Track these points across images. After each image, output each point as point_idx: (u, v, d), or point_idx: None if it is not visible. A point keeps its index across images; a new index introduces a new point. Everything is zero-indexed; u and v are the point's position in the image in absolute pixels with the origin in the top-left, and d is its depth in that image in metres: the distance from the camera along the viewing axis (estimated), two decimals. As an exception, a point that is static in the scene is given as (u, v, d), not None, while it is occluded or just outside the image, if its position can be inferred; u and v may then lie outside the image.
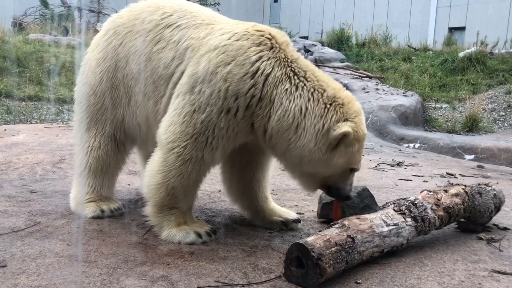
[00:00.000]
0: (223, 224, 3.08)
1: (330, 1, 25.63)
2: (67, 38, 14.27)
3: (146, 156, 3.22)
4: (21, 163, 4.45)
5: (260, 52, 2.53)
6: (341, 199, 2.71)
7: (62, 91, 10.02)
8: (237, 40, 2.56)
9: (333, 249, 2.15)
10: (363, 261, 2.35)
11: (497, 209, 3.18)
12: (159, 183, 2.61)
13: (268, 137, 2.57)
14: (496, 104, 11.22)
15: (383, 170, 5.37)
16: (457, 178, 5.18)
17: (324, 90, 2.52)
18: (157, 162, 2.62)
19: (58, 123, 8.05)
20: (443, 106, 11.63)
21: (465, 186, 3.09)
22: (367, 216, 2.49)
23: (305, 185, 2.78)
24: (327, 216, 3.14)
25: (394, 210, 2.61)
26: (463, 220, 3.08)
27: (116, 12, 3.19)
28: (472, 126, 10.30)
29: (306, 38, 21.51)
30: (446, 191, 2.94)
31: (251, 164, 3.01)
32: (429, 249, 2.73)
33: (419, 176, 5.15)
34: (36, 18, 18.42)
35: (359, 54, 16.16)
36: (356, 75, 13.58)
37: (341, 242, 2.21)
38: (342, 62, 15.08)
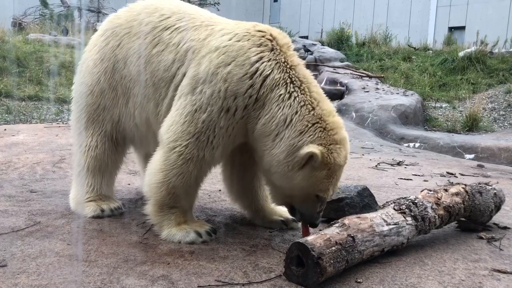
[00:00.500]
0: (223, 223, 3.08)
1: (330, 0, 25.61)
2: (66, 38, 14.27)
3: (144, 156, 3.23)
4: (21, 163, 4.45)
5: (260, 53, 2.53)
6: (306, 222, 2.62)
7: (62, 91, 10.02)
8: (238, 40, 2.56)
9: (334, 248, 2.15)
10: (363, 260, 2.35)
11: (497, 208, 3.18)
12: (160, 182, 2.61)
13: (252, 139, 2.60)
14: (496, 104, 11.22)
15: (383, 170, 5.37)
16: (457, 177, 5.18)
17: (313, 108, 2.48)
18: (158, 161, 2.63)
19: (58, 123, 8.04)
20: (443, 105, 11.63)
21: (465, 185, 3.09)
22: (367, 215, 2.49)
23: (272, 195, 2.81)
24: (327, 216, 3.14)
25: (394, 209, 2.61)
26: (463, 219, 3.08)
27: (116, 12, 3.18)
28: (472, 125, 10.30)
29: (306, 37, 21.50)
30: (446, 190, 2.94)
31: (251, 163, 3.01)
32: (430, 248, 2.73)
33: (419, 175, 5.15)
34: (36, 18, 18.42)
35: (359, 53, 16.15)
36: (356, 74, 13.57)
37: (341, 241, 2.20)
38: (342, 62, 15.07)
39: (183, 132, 2.55)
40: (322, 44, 17.39)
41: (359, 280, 2.23)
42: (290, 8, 27.22)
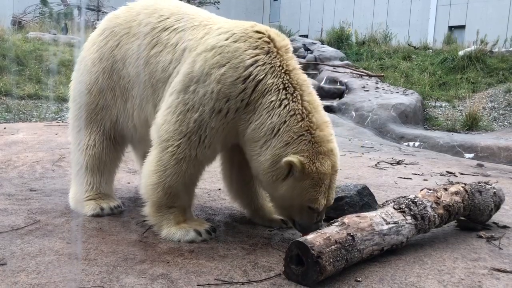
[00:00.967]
0: (223, 222, 3.08)
1: (330, -1, 25.62)
2: (66, 37, 14.26)
3: (142, 156, 3.22)
4: (21, 162, 4.45)
5: (256, 56, 2.50)
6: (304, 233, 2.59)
7: (62, 90, 10.01)
8: (235, 41, 2.53)
9: (333, 247, 2.15)
10: (363, 259, 2.35)
11: (497, 207, 3.18)
12: (155, 183, 2.61)
13: (242, 142, 2.60)
14: (496, 103, 11.22)
15: (383, 169, 5.37)
16: (457, 176, 5.18)
17: (302, 119, 2.45)
18: (152, 162, 2.63)
19: (57, 122, 8.04)
20: (443, 104, 11.63)
21: (465, 184, 3.09)
22: (367, 214, 2.49)
23: (273, 207, 2.86)
24: (327, 214, 3.14)
25: (394, 208, 2.61)
26: (463, 218, 3.08)
27: (115, 10, 3.18)
28: (472, 124, 10.30)
29: (306, 36, 21.50)
30: (446, 189, 2.94)
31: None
32: (429, 247, 2.73)
33: (419, 174, 5.15)
34: (35, 17, 18.40)
35: (359, 52, 16.15)
36: (356, 73, 13.57)
37: (341, 240, 2.20)
38: (342, 61, 15.07)
39: (175, 131, 2.54)
40: (322, 43, 17.40)
41: (358, 279, 2.23)
42: (290, 7, 27.20)
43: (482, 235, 2.95)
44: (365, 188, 3.23)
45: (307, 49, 15.69)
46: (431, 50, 15.53)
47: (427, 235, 2.87)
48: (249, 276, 2.21)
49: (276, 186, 2.49)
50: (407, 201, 2.67)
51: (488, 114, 10.90)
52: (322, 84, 12.78)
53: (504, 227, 3.18)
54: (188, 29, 2.73)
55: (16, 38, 12.51)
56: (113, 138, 3.07)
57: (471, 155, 8.33)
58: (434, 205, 2.74)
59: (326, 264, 2.09)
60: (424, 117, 11.13)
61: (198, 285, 2.09)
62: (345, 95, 12.12)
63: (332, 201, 2.57)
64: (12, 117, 8.82)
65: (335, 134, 2.61)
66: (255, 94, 2.49)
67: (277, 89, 2.48)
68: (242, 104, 2.50)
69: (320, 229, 2.34)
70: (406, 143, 9.26)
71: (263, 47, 2.53)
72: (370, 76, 13.38)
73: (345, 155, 6.20)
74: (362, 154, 6.66)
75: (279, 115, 2.44)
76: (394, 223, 2.50)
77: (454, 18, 20.85)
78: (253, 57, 2.49)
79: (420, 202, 2.69)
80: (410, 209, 2.62)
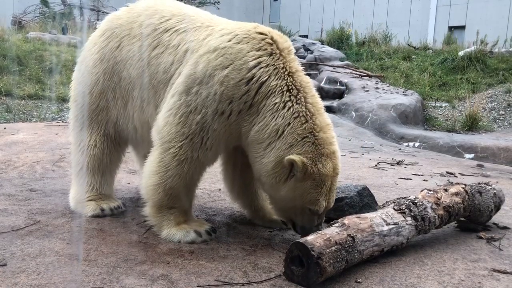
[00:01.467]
0: (223, 223, 3.09)
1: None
2: (66, 37, 14.26)
3: (143, 156, 3.23)
4: (21, 162, 4.45)
5: (259, 57, 2.49)
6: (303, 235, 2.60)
7: (62, 90, 10.01)
8: (238, 42, 2.52)
9: (333, 248, 2.15)
10: (363, 260, 2.35)
11: (497, 208, 3.18)
12: (156, 184, 2.61)
13: (245, 144, 2.59)
14: (496, 103, 11.22)
15: (383, 169, 5.37)
16: (457, 177, 5.18)
17: (306, 121, 2.45)
18: (153, 162, 2.63)
19: (58, 122, 8.04)
20: (443, 105, 11.64)
21: (465, 185, 3.09)
22: (367, 215, 2.49)
23: (273, 209, 2.85)
24: (327, 215, 3.14)
25: (394, 209, 2.61)
26: (463, 219, 3.08)
27: (116, 11, 3.18)
28: (471, 125, 10.30)
29: (306, 36, 21.49)
30: (446, 190, 2.94)
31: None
32: (429, 248, 2.73)
33: (419, 175, 5.15)
34: (35, 17, 18.41)
35: (359, 53, 16.16)
36: (356, 74, 13.57)
37: (341, 241, 2.20)
38: (342, 61, 15.08)
39: (177, 133, 2.54)
40: (322, 43, 17.40)
41: (358, 280, 2.23)
42: (290, 7, 27.20)
43: (482, 236, 2.95)
44: (365, 189, 3.23)
45: (307, 50, 15.70)
46: (431, 51, 15.54)
47: (427, 236, 2.87)
48: (249, 277, 2.21)
49: (278, 188, 2.49)
50: (407, 202, 2.67)
51: (488, 115, 10.91)
52: (322, 84, 12.79)
53: (504, 228, 3.18)
54: (190, 30, 2.72)
55: (16, 38, 12.51)
56: (113, 138, 3.08)
57: (471, 155, 8.33)
58: (434, 206, 2.74)
59: (326, 265, 2.09)
60: (424, 118, 11.13)
61: (198, 286, 2.09)
62: (345, 95, 12.12)
63: (332, 204, 2.58)
64: (12, 117, 8.82)
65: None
66: (258, 96, 2.48)
67: (281, 91, 2.47)
68: (245, 106, 2.49)
69: (320, 230, 2.34)
70: (406, 144, 9.26)
71: (266, 49, 2.52)
72: (370, 76, 13.39)
73: (345, 155, 6.20)
74: (362, 154, 6.66)
75: (283, 117, 2.44)
76: (394, 224, 2.50)
77: (454, 18, 20.87)
78: (256, 58, 2.49)
79: (420, 203, 2.69)
80: (410, 210, 2.62)
